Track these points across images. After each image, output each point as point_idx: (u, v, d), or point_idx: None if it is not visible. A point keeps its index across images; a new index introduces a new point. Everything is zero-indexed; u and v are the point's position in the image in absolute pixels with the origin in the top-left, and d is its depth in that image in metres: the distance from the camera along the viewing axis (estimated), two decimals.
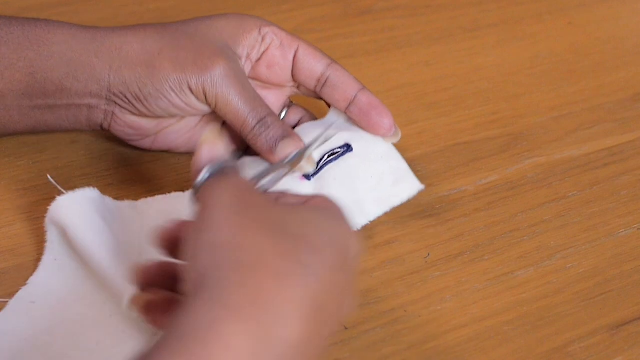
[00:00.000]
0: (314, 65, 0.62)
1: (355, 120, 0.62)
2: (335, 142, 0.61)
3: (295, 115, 0.66)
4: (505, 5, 0.91)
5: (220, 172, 0.49)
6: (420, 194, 0.66)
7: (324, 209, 0.48)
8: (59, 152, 0.66)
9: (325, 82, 0.62)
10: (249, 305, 0.40)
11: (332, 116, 0.64)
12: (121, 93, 0.60)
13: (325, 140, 0.61)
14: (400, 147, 0.63)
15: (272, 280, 0.41)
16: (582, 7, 0.93)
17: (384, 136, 0.62)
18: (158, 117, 0.61)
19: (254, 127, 0.59)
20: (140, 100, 0.60)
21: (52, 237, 0.58)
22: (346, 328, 0.56)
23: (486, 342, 0.57)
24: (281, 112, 0.65)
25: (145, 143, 0.64)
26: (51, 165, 0.65)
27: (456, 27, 0.87)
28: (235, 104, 0.59)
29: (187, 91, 0.59)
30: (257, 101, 0.60)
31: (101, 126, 0.62)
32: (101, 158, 0.66)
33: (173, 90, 0.59)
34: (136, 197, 0.63)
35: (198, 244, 0.44)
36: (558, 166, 0.71)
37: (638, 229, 0.66)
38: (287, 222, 0.45)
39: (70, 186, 0.64)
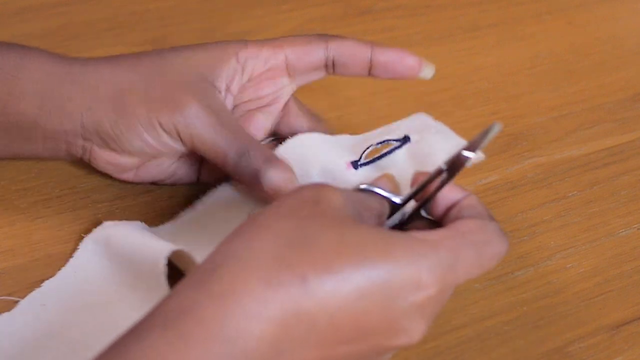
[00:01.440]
0: (311, 60, 0.60)
1: (385, 77, 0.61)
2: (393, 135, 0.60)
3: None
4: (505, 5, 0.91)
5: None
6: None
7: (421, 250, 0.44)
8: None
9: (333, 64, 0.60)
10: (232, 296, 0.41)
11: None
12: (95, 132, 0.58)
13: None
14: None
15: (261, 283, 0.41)
16: (582, 7, 0.93)
17: (419, 74, 0.61)
18: (136, 155, 0.59)
19: (236, 162, 0.57)
20: (114, 140, 0.58)
21: (82, 254, 0.58)
22: None
23: (486, 342, 0.57)
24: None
25: (128, 176, 0.62)
26: (52, 165, 0.65)
27: (456, 27, 0.87)
28: (212, 141, 0.57)
29: (160, 130, 0.57)
30: (236, 134, 0.57)
31: (81, 159, 0.60)
32: None
33: (145, 130, 0.57)
34: (135, 198, 0.63)
35: (236, 231, 0.45)
36: (558, 166, 0.71)
37: (638, 229, 0.66)
38: (320, 236, 0.43)
39: (70, 185, 0.64)
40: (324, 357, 0.43)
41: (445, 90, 0.78)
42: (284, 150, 0.60)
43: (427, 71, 0.61)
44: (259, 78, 0.61)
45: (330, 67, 0.61)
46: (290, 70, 0.61)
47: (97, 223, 0.60)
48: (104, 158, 0.60)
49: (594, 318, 0.59)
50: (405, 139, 0.60)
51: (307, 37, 0.61)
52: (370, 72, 0.60)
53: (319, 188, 0.46)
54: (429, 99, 0.76)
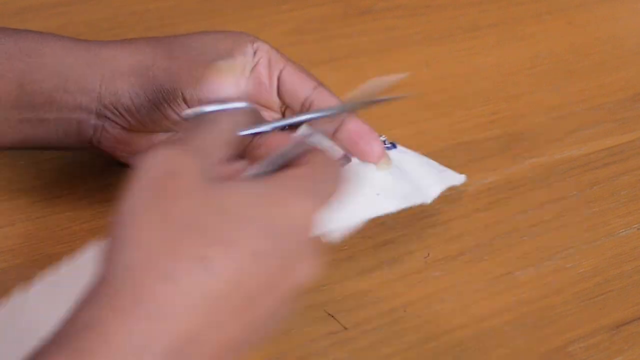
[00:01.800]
0: (298, 89, 0.60)
1: (343, 147, 0.60)
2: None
3: None
4: (505, 5, 0.91)
5: (209, 118, 0.46)
6: None
7: (286, 185, 0.44)
8: (59, 152, 0.66)
9: (310, 107, 0.60)
10: (135, 305, 0.39)
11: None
12: (112, 105, 0.58)
13: None
14: None
15: (161, 282, 0.39)
16: (582, 7, 0.93)
17: (374, 163, 0.59)
18: (150, 131, 0.60)
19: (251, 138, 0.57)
20: (132, 113, 0.58)
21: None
22: (346, 328, 0.56)
23: (486, 342, 0.57)
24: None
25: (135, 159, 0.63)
26: (51, 165, 0.65)
27: (456, 27, 0.87)
28: None
29: (182, 103, 0.58)
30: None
31: (91, 141, 0.60)
32: (101, 157, 0.66)
33: (166, 101, 0.58)
34: None
35: (112, 226, 0.42)
36: (558, 166, 0.71)
37: (638, 229, 0.66)
38: (201, 213, 0.41)
39: (70, 185, 0.64)
40: (245, 326, 0.41)
41: (445, 90, 0.78)
42: None
43: (383, 165, 0.59)
44: (256, 78, 0.61)
45: (306, 108, 0.60)
46: (279, 89, 0.61)
47: (97, 223, 0.60)
48: (115, 137, 0.60)
49: (594, 318, 0.59)
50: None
51: (310, 74, 0.61)
52: (334, 133, 0.59)
53: (169, 158, 0.43)
54: (429, 99, 0.76)
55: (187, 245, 0.40)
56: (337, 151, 0.59)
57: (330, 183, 0.45)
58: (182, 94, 0.57)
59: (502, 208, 0.67)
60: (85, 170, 0.65)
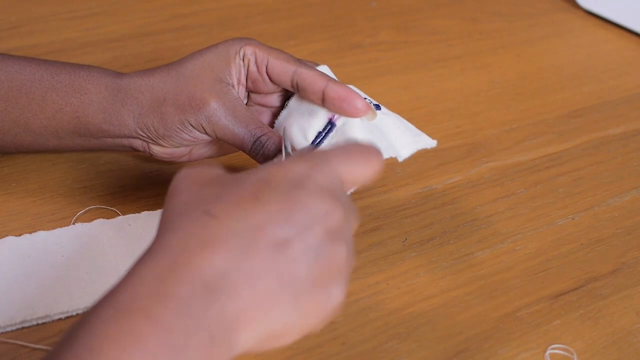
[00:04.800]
0: (282, 77, 0.58)
1: (333, 111, 0.56)
2: (319, 122, 0.56)
3: None
4: (467, 41, 0.91)
5: None
6: (398, 190, 0.66)
7: (297, 180, 0.42)
8: (113, 158, 0.66)
9: (297, 87, 0.58)
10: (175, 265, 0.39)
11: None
12: (144, 134, 0.59)
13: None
14: None
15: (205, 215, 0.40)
16: (528, 43, 0.93)
17: (363, 116, 0.56)
18: (180, 146, 0.60)
19: (252, 147, 0.57)
20: (160, 138, 0.59)
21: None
22: None
23: (452, 308, 0.57)
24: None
25: (183, 160, 0.63)
26: (107, 168, 0.65)
27: (428, 58, 0.87)
28: (231, 130, 0.57)
29: (190, 128, 0.58)
30: (250, 124, 0.57)
31: (143, 152, 0.61)
32: (148, 161, 0.66)
33: (179, 129, 0.58)
34: None
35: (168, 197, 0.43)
36: (509, 169, 0.71)
37: (572, 218, 0.66)
38: (216, 187, 0.42)
39: (121, 184, 0.64)
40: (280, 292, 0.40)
41: (419, 108, 0.78)
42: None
43: (370, 116, 0.57)
44: (251, 77, 0.60)
45: (295, 89, 0.59)
46: (271, 80, 0.59)
47: (142, 210, 0.60)
48: (159, 151, 0.60)
49: (537, 289, 0.59)
50: (332, 125, 0.56)
51: (290, 57, 0.59)
52: (322, 102, 0.57)
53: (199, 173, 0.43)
54: (406, 115, 0.75)
55: (200, 202, 0.41)
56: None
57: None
58: (188, 121, 0.58)
59: (465, 202, 0.67)
60: (136, 172, 0.65)
